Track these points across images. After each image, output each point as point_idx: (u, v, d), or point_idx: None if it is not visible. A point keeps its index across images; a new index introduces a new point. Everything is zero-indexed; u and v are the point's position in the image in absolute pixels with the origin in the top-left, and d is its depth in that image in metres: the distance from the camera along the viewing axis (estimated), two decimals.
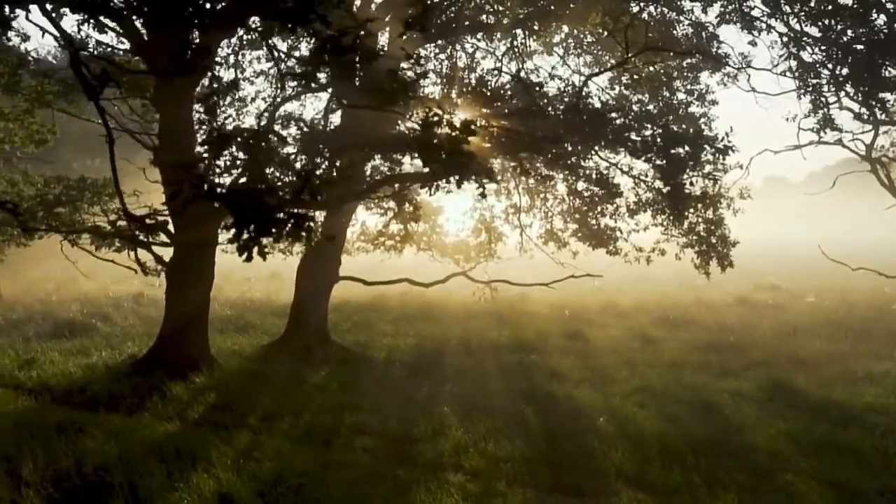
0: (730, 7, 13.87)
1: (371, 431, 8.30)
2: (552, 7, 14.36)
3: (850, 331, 16.00)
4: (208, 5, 3.90)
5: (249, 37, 15.25)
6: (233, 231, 3.92)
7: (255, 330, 16.01)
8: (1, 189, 13.54)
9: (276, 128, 11.88)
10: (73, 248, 13.72)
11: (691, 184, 12.91)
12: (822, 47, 13.05)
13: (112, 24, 9.40)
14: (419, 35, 11.71)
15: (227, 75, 14.89)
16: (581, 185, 15.13)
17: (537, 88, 12.61)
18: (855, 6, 12.50)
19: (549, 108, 12.32)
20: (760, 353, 13.45)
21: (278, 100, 14.60)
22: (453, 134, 5.16)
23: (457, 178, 5.49)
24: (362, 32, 4.54)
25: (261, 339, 14.66)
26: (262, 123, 13.22)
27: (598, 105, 13.45)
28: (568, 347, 14.20)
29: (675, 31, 15.53)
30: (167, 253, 12.03)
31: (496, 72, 14.74)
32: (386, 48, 11.01)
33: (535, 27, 15.13)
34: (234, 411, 9.01)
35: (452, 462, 7.27)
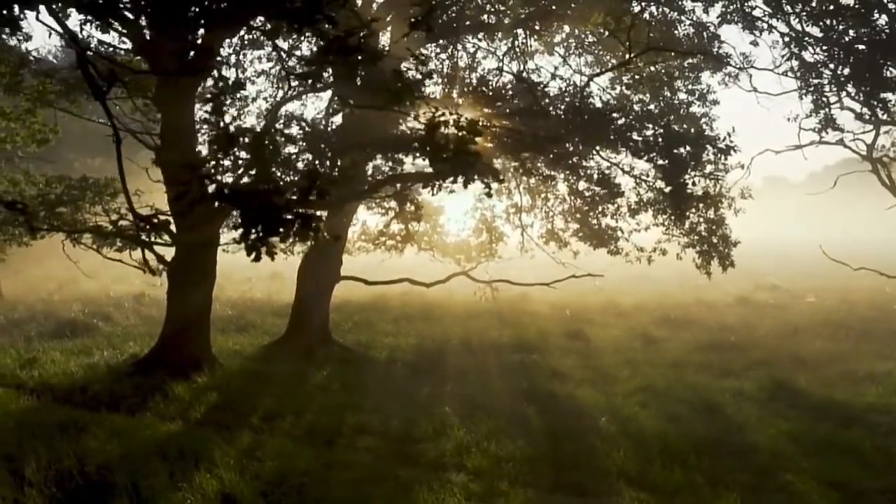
0: (731, 7, 13.87)
1: (373, 431, 8.30)
2: (553, 7, 14.36)
3: (851, 331, 16.01)
4: (214, 6, 3.90)
5: (250, 36, 15.26)
6: (240, 231, 3.92)
7: (256, 330, 16.01)
8: (2, 189, 13.54)
9: (278, 127, 11.86)
10: (75, 248, 13.74)
11: (693, 184, 12.91)
12: (824, 47, 13.05)
13: (115, 24, 9.40)
14: (421, 35, 11.74)
15: (229, 75, 14.88)
16: (582, 185, 15.14)
17: (540, 88, 12.61)
18: (856, 6, 12.50)
19: (551, 108, 12.32)
20: (761, 353, 13.44)
21: (282, 99, 14.61)
22: (460, 134, 5.16)
23: (463, 178, 5.49)
24: (367, 32, 4.54)
25: (262, 338, 14.66)
26: (265, 123, 13.22)
27: (599, 105, 13.46)
28: (569, 347, 14.20)
29: (676, 32, 15.54)
30: (168, 253, 12.03)
31: (497, 71, 14.75)
32: (387, 48, 11.01)
33: (537, 27, 15.12)
34: (236, 411, 9.01)
35: (455, 462, 7.28)
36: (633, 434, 8.19)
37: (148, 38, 9.64)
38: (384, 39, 13.69)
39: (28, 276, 29.55)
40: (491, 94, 11.94)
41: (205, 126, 15.42)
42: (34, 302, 21.26)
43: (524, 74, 14.47)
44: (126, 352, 12.53)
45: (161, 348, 11.52)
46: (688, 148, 12.19)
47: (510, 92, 13.14)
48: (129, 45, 12.26)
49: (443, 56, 15.94)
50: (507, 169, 15.96)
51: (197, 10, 3.97)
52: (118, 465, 6.38)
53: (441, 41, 14.99)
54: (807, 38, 13.47)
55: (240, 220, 3.86)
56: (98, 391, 9.82)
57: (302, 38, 12.47)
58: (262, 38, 15.45)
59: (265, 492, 6.09)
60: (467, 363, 12.41)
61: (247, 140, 4.56)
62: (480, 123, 6.25)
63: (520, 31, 15.52)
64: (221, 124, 4.63)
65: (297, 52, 12.19)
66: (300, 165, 11.16)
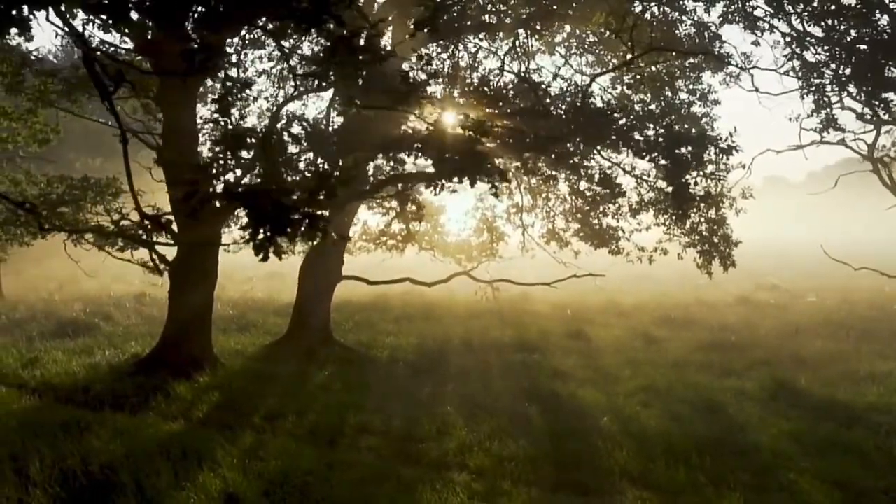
0: (732, 7, 13.88)
1: (375, 431, 8.31)
2: (554, 7, 14.37)
3: (852, 330, 16.01)
4: (221, 6, 3.90)
5: (251, 36, 15.26)
6: (248, 231, 3.92)
7: (257, 329, 16.02)
8: (4, 188, 13.55)
9: (284, 127, 11.87)
10: (76, 248, 13.74)
11: (695, 183, 12.91)
12: (825, 47, 13.06)
13: (117, 24, 9.41)
14: (422, 35, 11.73)
15: (233, 75, 14.90)
16: (583, 185, 15.15)
17: (542, 88, 12.61)
18: (858, 6, 12.50)
19: (552, 108, 12.32)
20: (763, 353, 13.45)
21: (286, 99, 14.63)
22: (467, 134, 5.17)
23: (470, 177, 5.49)
24: (375, 33, 4.55)
25: (263, 338, 14.67)
26: (268, 123, 13.21)
27: (600, 105, 13.46)
28: (570, 347, 14.20)
29: (677, 31, 15.55)
30: (169, 252, 12.03)
31: (499, 71, 14.76)
32: (389, 48, 10.99)
33: (538, 27, 15.13)
34: (238, 411, 9.01)
35: (457, 461, 7.29)
36: (635, 434, 8.20)
37: (150, 38, 9.64)
38: (385, 39, 13.69)
39: (29, 275, 29.56)
40: (493, 94, 11.94)
41: (206, 126, 15.48)
42: (35, 301, 21.26)
43: (526, 74, 14.48)
44: (127, 351, 12.54)
45: (163, 348, 11.53)
46: (689, 148, 12.19)
47: (511, 92, 13.15)
48: (130, 45, 12.29)
49: (444, 56, 15.98)
50: (508, 169, 15.97)
51: (203, 9, 3.98)
52: (122, 464, 6.38)
53: (442, 41, 15.02)
54: (808, 38, 13.48)
55: (247, 220, 3.86)
56: (100, 391, 9.84)
57: (303, 39, 12.46)
58: (263, 37, 15.48)
59: (268, 491, 6.10)
60: (469, 363, 12.42)
61: (253, 140, 4.57)
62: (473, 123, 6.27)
63: (521, 31, 15.52)
64: (229, 124, 4.63)
65: (298, 53, 12.17)
66: (301, 165, 11.16)
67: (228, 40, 13.64)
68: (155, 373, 10.61)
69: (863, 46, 12.51)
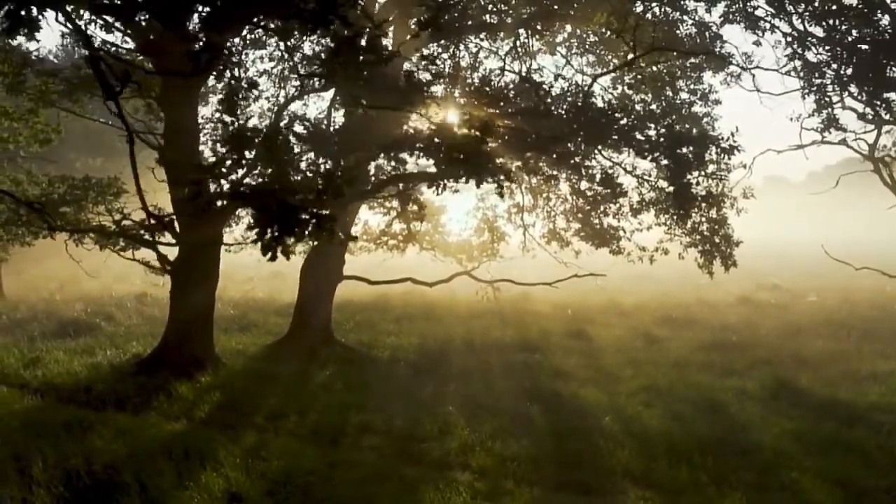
0: (734, 7, 13.88)
1: (377, 430, 8.32)
2: (555, 7, 14.37)
3: (853, 330, 16.00)
4: (229, 6, 3.91)
5: (252, 36, 15.27)
6: (256, 231, 3.93)
7: (258, 329, 16.03)
8: (6, 189, 13.55)
9: (290, 127, 11.89)
10: (78, 248, 13.75)
11: (697, 183, 12.92)
12: (827, 47, 13.06)
13: (118, 24, 9.42)
14: (423, 35, 11.73)
15: (235, 75, 14.91)
16: (584, 185, 15.16)
17: (543, 88, 12.62)
18: (859, 6, 12.52)
19: (554, 108, 12.34)
20: (764, 353, 13.45)
21: (289, 99, 14.65)
22: (472, 134, 5.18)
23: (476, 177, 5.50)
24: (377, 33, 4.56)
25: (264, 338, 14.68)
26: (272, 123, 13.23)
27: (601, 105, 13.47)
28: (572, 347, 14.20)
29: (678, 31, 15.55)
30: (171, 252, 12.03)
31: (500, 71, 14.77)
32: (390, 48, 11.00)
33: (539, 27, 15.13)
34: (240, 410, 9.03)
35: (459, 461, 7.30)
36: (637, 433, 8.20)
37: (152, 37, 9.65)
38: (386, 40, 13.69)
39: (29, 275, 29.56)
40: (494, 94, 11.95)
41: (208, 125, 15.49)
42: (36, 301, 21.26)
43: (528, 74, 14.50)
44: (129, 351, 12.54)
45: (164, 348, 11.54)
46: (691, 148, 12.20)
47: (512, 92, 13.16)
48: (131, 45, 12.31)
49: (445, 56, 15.99)
50: (510, 169, 15.98)
51: (209, 9, 3.99)
52: (125, 464, 6.40)
53: (443, 41, 15.03)
54: (809, 38, 13.48)
55: (254, 220, 3.87)
56: (102, 391, 9.84)
57: (305, 38, 12.47)
58: (264, 37, 15.48)
59: (271, 490, 6.11)
60: (470, 363, 12.42)
61: (259, 140, 4.57)
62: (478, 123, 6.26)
63: (522, 31, 15.53)
64: (236, 124, 4.64)
65: (300, 52, 12.18)
66: (303, 165, 11.17)
67: (230, 40, 13.67)
68: (157, 373, 10.62)
69: (864, 46, 12.53)
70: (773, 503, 6.41)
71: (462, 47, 15.35)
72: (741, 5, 13.85)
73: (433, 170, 9.89)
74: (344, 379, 10.95)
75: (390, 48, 6.82)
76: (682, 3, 14.95)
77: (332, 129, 13.69)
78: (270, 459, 6.85)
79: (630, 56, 13.45)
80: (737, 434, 8.31)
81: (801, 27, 13.73)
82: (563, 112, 12.40)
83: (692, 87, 16.30)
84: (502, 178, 6.24)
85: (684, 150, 12.09)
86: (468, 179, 5.35)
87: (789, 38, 13.82)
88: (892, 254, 37.14)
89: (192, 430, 8.14)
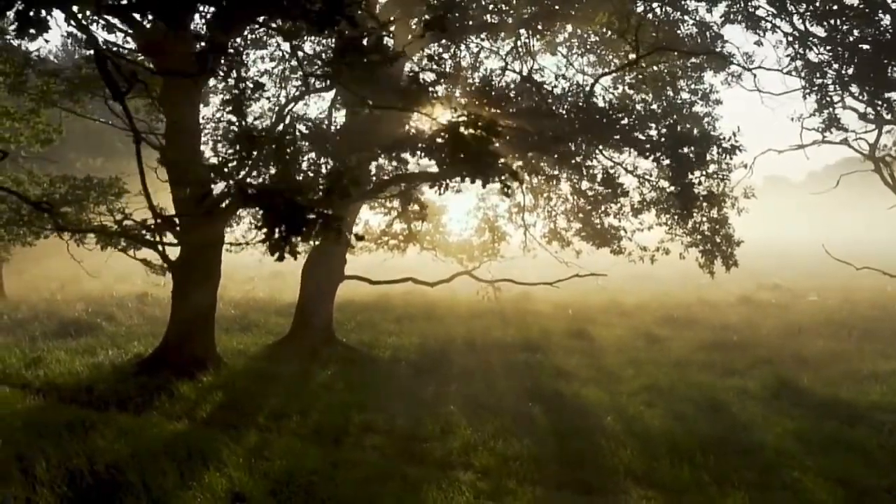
0: (735, 7, 13.88)
1: (379, 430, 8.33)
2: (556, 7, 14.37)
3: (854, 330, 16.02)
4: (236, 6, 3.91)
5: (253, 36, 15.27)
6: (263, 231, 3.93)
7: (259, 329, 16.04)
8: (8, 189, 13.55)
9: (297, 128, 11.89)
10: (79, 248, 13.74)
11: (699, 183, 12.93)
12: (828, 47, 13.07)
13: (121, 24, 9.44)
14: (426, 35, 11.73)
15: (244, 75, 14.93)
16: (585, 185, 15.17)
17: (547, 89, 12.64)
18: (860, 6, 12.52)
19: (556, 108, 12.34)
20: (765, 352, 13.46)
21: (289, 99, 14.66)
22: (478, 134, 5.18)
23: (482, 177, 5.50)
24: (383, 33, 4.55)
25: (265, 338, 14.69)
26: (277, 123, 13.23)
27: (602, 105, 13.47)
28: (573, 346, 14.21)
29: (679, 31, 15.54)
30: (172, 252, 12.03)
31: (501, 71, 14.78)
32: (391, 48, 11.01)
33: (540, 27, 15.13)
34: (242, 410, 9.03)
35: (462, 461, 7.31)
36: (639, 433, 8.21)
37: (154, 38, 9.64)
38: (390, 40, 13.69)
39: (30, 275, 29.58)
40: (496, 94, 11.96)
41: (209, 125, 15.49)
42: (37, 301, 21.27)
43: (529, 74, 14.50)
44: (130, 351, 12.55)
45: (166, 348, 11.54)
46: (692, 148, 12.21)
47: (513, 91, 13.16)
48: (132, 45, 12.31)
49: (446, 56, 16.00)
50: (515, 168, 15.99)
51: (214, 9, 3.99)
52: (127, 464, 6.40)
53: (444, 41, 15.04)
54: (811, 38, 13.48)
55: (262, 220, 3.87)
56: (104, 391, 9.85)
57: (306, 38, 12.48)
58: (265, 37, 15.49)
59: (274, 490, 6.11)
60: (471, 363, 12.43)
61: (267, 140, 4.57)
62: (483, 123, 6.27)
63: (523, 31, 15.53)
64: (243, 125, 4.64)
65: (302, 52, 12.17)
66: (307, 165, 11.17)
67: (233, 40, 13.68)
68: (158, 372, 10.63)
69: (865, 46, 12.53)
70: (775, 502, 6.42)
71: (463, 47, 15.36)
72: (742, 5, 13.85)
73: (435, 170, 9.90)
74: (345, 379, 10.96)
75: (391, 48, 6.82)
76: (682, 3, 14.95)
77: (332, 129, 13.70)
78: (273, 459, 6.86)
79: (632, 56, 13.45)
80: (738, 433, 8.32)
81: (802, 27, 13.73)
82: (565, 112, 12.40)
83: (693, 87, 16.29)
84: (508, 177, 6.24)
85: (686, 150, 12.09)
86: (474, 179, 5.35)
87: (790, 38, 13.83)
88: (892, 253, 37.15)
89: (195, 429, 8.14)
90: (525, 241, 18.21)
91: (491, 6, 14.85)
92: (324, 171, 11.62)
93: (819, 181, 38.44)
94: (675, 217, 13.95)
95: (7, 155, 7.94)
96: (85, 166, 31.97)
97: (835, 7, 12.78)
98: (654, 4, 14.59)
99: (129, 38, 12.27)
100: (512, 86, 13.70)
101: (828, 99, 13.68)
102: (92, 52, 12.63)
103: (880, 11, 12.42)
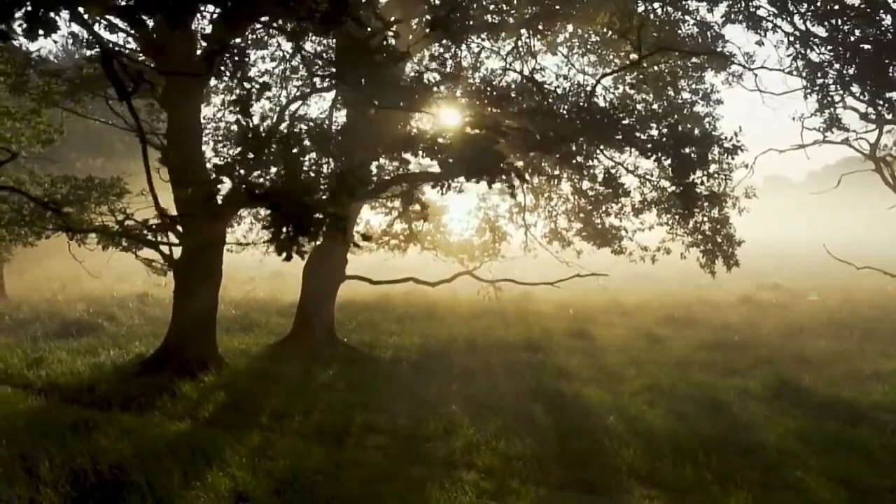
0: (735, 7, 13.89)
1: (382, 430, 8.33)
2: (557, 7, 14.37)
3: (855, 330, 16.03)
4: (243, 7, 3.92)
5: (254, 36, 15.29)
6: (271, 230, 3.94)
7: (260, 329, 16.04)
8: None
9: (283, 127, 11.89)
10: (80, 248, 13.75)
11: (701, 183, 12.94)
12: (829, 47, 13.07)
13: (123, 25, 9.45)
14: (426, 35, 11.73)
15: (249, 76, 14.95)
16: (586, 185, 15.18)
17: (549, 89, 12.64)
18: (862, 6, 12.53)
19: (557, 108, 12.35)
20: (766, 352, 13.46)
21: (290, 99, 14.68)
22: (484, 133, 5.19)
23: (488, 177, 5.50)
24: (390, 34, 4.56)
25: (267, 338, 14.69)
26: (272, 123, 13.23)
27: (603, 104, 13.48)
28: (574, 346, 14.22)
29: (679, 31, 15.55)
30: (173, 252, 12.03)
31: (502, 71, 14.80)
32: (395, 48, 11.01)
33: (541, 27, 15.14)
34: (245, 410, 9.03)
35: (465, 460, 7.31)
36: (642, 432, 8.22)
37: (156, 38, 9.66)
38: (393, 40, 13.70)
39: (31, 275, 29.58)
40: (497, 94, 11.96)
41: (209, 126, 15.50)
42: (38, 302, 21.27)
43: (531, 74, 14.51)
44: (132, 351, 12.56)
45: (167, 348, 11.55)
46: (694, 147, 12.21)
47: (514, 92, 13.16)
48: (133, 45, 12.32)
49: (447, 56, 16.00)
50: (520, 168, 16.01)
51: (220, 10, 3.99)
52: (131, 464, 6.40)
53: (445, 41, 15.04)
54: (812, 38, 13.49)
55: (270, 220, 3.87)
56: (106, 391, 9.86)
57: (310, 39, 12.49)
58: (265, 37, 15.50)
59: (278, 490, 6.12)
60: (473, 362, 12.43)
61: (274, 141, 4.57)
62: (489, 123, 6.27)
63: (524, 31, 15.54)
64: (250, 125, 4.65)
65: (303, 52, 12.18)
66: (305, 166, 11.17)
67: (235, 40, 13.69)
68: (160, 372, 10.64)
69: (867, 46, 12.54)
70: (777, 502, 6.42)
71: (464, 47, 15.36)
72: (743, 5, 13.86)
73: (437, 170, 9.89)
74: (347, 378, 10.96)
75: (395, 49, 6.82)
76: (683, 2, 14.95)
77: (333, 129, 13.70)
78: (276, 459, 6.87)
79: (634, 56, 13.45)
80: (740, 433, 8.33)
81: (803, 27, 13.74)
82: (566, 112, 12.41)
83: (694, 86, 16.31)
84: (514, 177, 6.24)
85: (688, 150, 12.10)
86: (480, 179, 5.34)
87: (791, 38, 13.83)
88: (893, 253, 37.17)
89: (197, 429, 8.14)
90: (526, 240, 18.25)
91: (492, 6, 14.86)
92: (325, 171, 11.64)
93: (819, 181, 38.49)
94: (677, 217, 13.96)
95: (15, 156, 7.94)
96: (85, 166, 31.93)
97: (836, 7, 12.79)
98: (655, 4, 14.61)
99: (129, 39, 12.32)
100: (513, 86, 13.70)
101: (829, 99, 13.69)
102: (94, 52, 12.72)
103: (881, 11, 12.44)
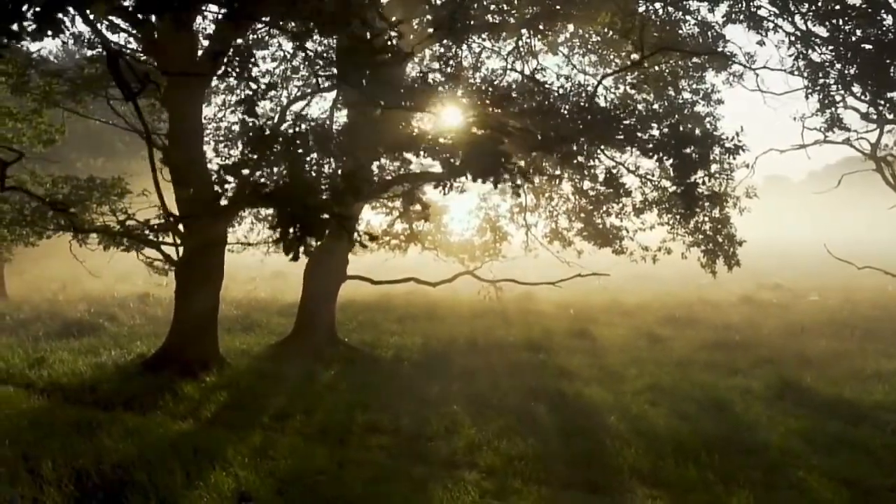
0: (736, 7, 13.89)
1: (384, 430, 8.33)
2: (558, 7, 14.38)
3: (856, 329, 16.04)
4: (250, 8, 3.91)
5: (255, 36, 15.29)
6: (278, 231, 3.94)
7: (261, 329, 16.04)
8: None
9: (286, 127, 11.89)
10: (82, 248, 13.75)
11: (703, 183, 12.95)
12: (831, 47, 13.08)
13: (125, 25, 9.45)
14: (424, 35, 11.74)
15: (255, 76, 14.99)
16: (587, 185, 15.19)
17: (550, 89, 12.64)
18: (863, 6, 12.54)
19: (559, 108, 12.35)
20: (767, 352, 13.47)
21: (292, 99, 14.69)
22: (490, 133, 5.19)
23: (495, 177, 5.50)
24: (394, 34, 4.56)
25: (268, 338, 14.69)
26: (274, 123, 13.23)
27: (603, 104, 13.50)
28: (575, 346, 14.22)
29: (680, 31, 15.56)
30: (173, 252, 12.03)
31: (503, 71, 14.81)
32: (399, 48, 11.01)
33: (542, 27, 15.15)
34: (246, 410, 9.03)
35: (467, 460, 7.32)
36: (644, 432, 8.22)
37: (157, 38, 9.66)
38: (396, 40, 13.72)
39: (32, 276, 29.58)
40: (498, 93, 11.97)
41: (210, 126, 15.50)
42: (39, 302, 21.28)
43: (532, 74, 14.52)
44: (133, 351, 12.56)
45: (169, 347, 11.55)
46: (695, 147, 12.22)
47: (515, 92, 13.17)
48: (133, 46, 12.33)
49: (447, 56, 16.00)
50: (525, 168, 16.03)
51: (226, 10, 3.99)
52: (134, 463, 6.41)
53: (446, 41, 15.04)
54: (813, 38, 13.49)
55: (277, 220, 3.87)
56: (107, 390, 9.86)
57: (313, 39, 12.51)
58: (266, 38, 15.52)
59: (281, 490, 6.12)
60: (474, 362, 12.43)
61: (281, 141, 4.57)
62: (490, 123, 6.27)
63: (524, 31, 15.54)
64: (256, 125, 4.64)
65: (304, 52, 12.19)
66: (315, 166, 11.17)
67: (238, 40, 13.70)
68: (161, 372, 10.63)
69: (868, 46, 12.55)
70: (780, 502, 6.43)
71: (465, 47, 15.37)
72: (744, 5, 13.86)
73: (437, 169, 9.89)
74: (348, 378, 10.96)
75: (399, 49, 6.81)
76: (684, 2, 14.96)
77: (334, 129, 13.70)
78: (279, 459, 6.87)
79: (635, 56, 13.47)
80: (743, 433, 8.32)
81: (804, 27, 13.74)
82: (567, 112, 12.41)
83: (694, 86, 16.32)
84: (519, 177, 6.24)
85: (690, 149, 12.11)
86: (485, 179, 5.34)
87: (793, 38, 13.84)
88: (893, 253, 37.17)
89: (200, 429, 8.15)
90: (527, 240, 18.27)
91: (493, 6, 14.87)
92: (326, 171, 11.64)
93: (820, 181, 38.52)
94: (677, 217, 13.97)
95: (22, 156, 7.97)
96: (86, 166, 31.93)
97: (837, 7, 12.79)
98: (657, 4, 14.61)
99: (130, 39, 12.33)
100: (514, 85, 13.71)
101: (830, 99, 13.70)
102: (95, 52, 12.70)
103: (883, 11, 12.45)
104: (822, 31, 13.38)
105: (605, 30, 15.74)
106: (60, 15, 2.74)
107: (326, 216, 3.84)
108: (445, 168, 6.59)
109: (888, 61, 12.27)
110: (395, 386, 10.51)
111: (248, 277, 28.77)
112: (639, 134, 12.26)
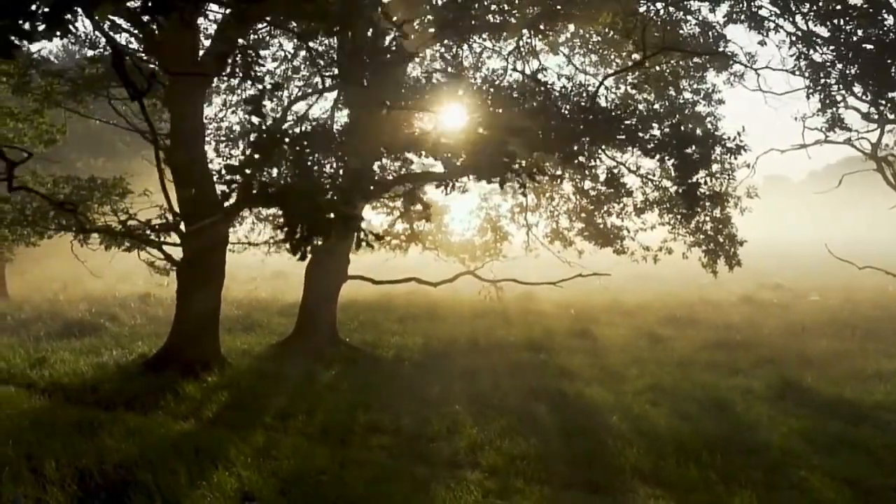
0: (737, 7, 13.90)
1: (385, 430, 8.33)
2: (559, 7, 14.39)
3: (857, 329, 16.04)
4: (256, 9, 3.92)
5: (256, 36, 15.31)
6: (284, 230, 3.95)
7: (262, 329, 16.05)
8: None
9: (287, 127, 11.90)
10: (83, 248, 13.75)
11: (704, 183, 12.96)
12: (832, 47, 13.09)
13: (127, 25, 9.47)
14: (425, 35, 11.74)
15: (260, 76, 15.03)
16: (588, 185, 15.21)
17: (551, 88, 12.65)
18: (864, 6, 12.55)
19: (558, 108, 12.36)
20: (768, 352, 13.47)
21: (293, 99, 14.70)
22: (496, 133, 5.19)
23: (501, 177, 5.50)
24: (399, 34, 4.57)
25: (269, 338, 14.70)
26: (276, 123, 13.24)
27: (605, 104, 13.51)
28: (576, 346, 14.23)
29: (681, 31, 15.58)
30: (175, 252, 12.05)
31: (504, 71, 14.82)
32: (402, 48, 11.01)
33: (543, 27, 15.16)
34: (248, 410, 9.03)
35: (469, 460, 7.32)
36: (645, 432, 8.22)
37: (159, 38, 9.66)
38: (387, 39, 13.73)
39: (33, 276, 29.61)
40: (499, 93, 11.98)
41: (211, 126, 15.51)
42: (40, 302, 21.29)
43: (534, 74, 14.53)
44: (135, 351, 12.56)
45: (170, 347, 11.56)
46: (696, 147, 12.23)
47: (517, 92, 13.18)
48: (135, 45, 12.34)
49: (448, 56, 16.03)
50: (530, 168, 16.06)
51: (230, 10, 4.00)
52: (136, 463, 6.41)
53: (447, 41, 15.05)
54: (814, 38, 13.51)
55: (284, 220, 3.88)
56: (109, 390, 9.86)
57: (315, 38, 12.52)
58: (268, 37, 15.53)
59: (283, 490, 6.12)
60: (475, 362, 12.43)
61: (288, 141, 4.58)
62: (491, 123, 6.28)
63: (526, 31, 15.56)
64: (263, 126, 4.65)
65: (309, 52, 12.21)
66: (317, 166, 11.18)
67: (241, 40, 13.71)
68: (163, 372, 10.64)
69: (869, 46, 12.56)
70: (782, 501, 6.43)
71: (466, 47, 15.38)
72: (745, 5, 13.87)
73: (440, 169, 9.90)
74: (350, 378, 10.96)
75: (402, 49, 6.83)
76: (685, 3, 14.97)
77: (335, 129, 13.72)
78: (281, 459, 6.88)
79: (636, 56, 13.48)
80: (744, 433, 8.33)
81: (805, 27, 13.75)
82: (568, 112, 12.42)
83: (695, 86, 16.33)
84: (526, 177, 6.24)
85: (691, 149, 12.12)
86: (492, 179, 5.33)
87: (794, 38, 13.85)
88: (894, 253, 37.18)
89: (202, 429, 8.15)
90: (527, 240, 18.29)
91: (494, 7, 14.88)
92: (327, 171, 11.65)
93: (820, 180, 38.52)
94: (678, 217, 13.98)
95: (30, 156, 7.98)
96: (86, 166, 31.96)
97: (838, 7, 12.81)
98: (658, 5, 14.63)
99: (132, 39, 12.34)
100: (514, 85, 13.72)
101: (831, 98, 13.71)
102: (97, 51, 12.72)
103: (884, 11, 12.46)
104: (823, 31, 13.42)
105: (606, 30, 15.76)
106: (69, 15, 2.75)
107: (333, 216, 3.85)
108: (448, 168, 6.60)
109: (889, 61, 12.29)
110: (397, 386, 10.51)
111: (249, 277, 28.79)
112: (640, 134, 12.26)
